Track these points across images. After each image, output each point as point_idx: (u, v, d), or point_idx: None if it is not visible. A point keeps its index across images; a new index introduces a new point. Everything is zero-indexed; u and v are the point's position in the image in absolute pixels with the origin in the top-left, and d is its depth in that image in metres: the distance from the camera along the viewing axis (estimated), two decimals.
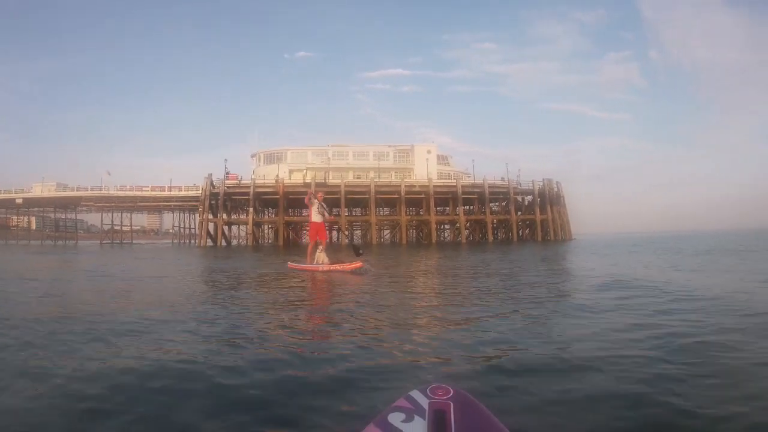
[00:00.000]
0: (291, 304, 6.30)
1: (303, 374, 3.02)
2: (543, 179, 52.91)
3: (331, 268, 10.93)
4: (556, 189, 54.77)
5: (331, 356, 3.41)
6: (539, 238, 50.69)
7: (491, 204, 53.81)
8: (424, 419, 1.46)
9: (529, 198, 54.71)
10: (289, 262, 12.69)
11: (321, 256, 11.67)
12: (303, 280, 9.50)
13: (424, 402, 1.54)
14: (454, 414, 1.46)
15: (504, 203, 54.35)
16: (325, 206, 12.48)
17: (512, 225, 51.34)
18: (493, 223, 53.49)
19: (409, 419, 1.47)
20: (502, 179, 53.63)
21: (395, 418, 1.47)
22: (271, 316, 5.31)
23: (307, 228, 21.00)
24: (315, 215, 12.25)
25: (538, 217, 52.09)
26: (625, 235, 77.40)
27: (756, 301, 5.73)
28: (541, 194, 52.84)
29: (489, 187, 52.14)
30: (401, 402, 1.57)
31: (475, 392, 1.84)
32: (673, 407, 2.38)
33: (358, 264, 10.56)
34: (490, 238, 51.15)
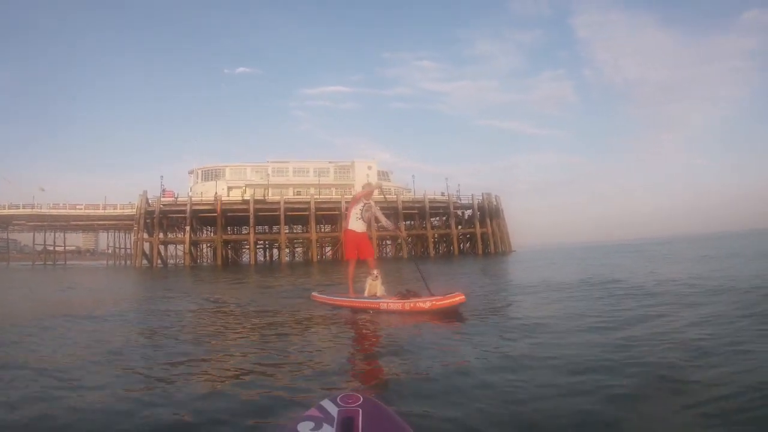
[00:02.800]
0: None
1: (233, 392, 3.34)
2: (482, 193, 56.86)
3: (407, 306, 7.17)
4: (495, 203, 58.39)
5: None
6: (480, 251, 54.61)
7: (432, 219, 57.11)
8: (333, 427, 1.53)
9: (469, 212, 58.89)
10: (314, 293, 9.51)
11: (374, 286, 8.28)
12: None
13: (333, 410, 1.62)
14: (362, 421, 1.54)
15: (444, 218, 58.29)
16: (375, 207, 8.81)
17: (453, 239, 54.24)
18: (434, 238, 56.71)
19: (318, 427, 1.54)
20: (443, 194, 56.88)
21: (305, 427, 1.54)
22: None
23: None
24: (353, 221, 8.66)
25: (478, 230, 55.66)
26: (566, 246, 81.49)
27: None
28: (481, 208, 56.68)
29: (429, 201, 55.74)
30: (312, 411, 1.65)
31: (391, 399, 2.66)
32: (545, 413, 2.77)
33: (458, 297, 6.90)
34: (432, 252, 54.51)
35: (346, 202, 52.15)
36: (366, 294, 8.32)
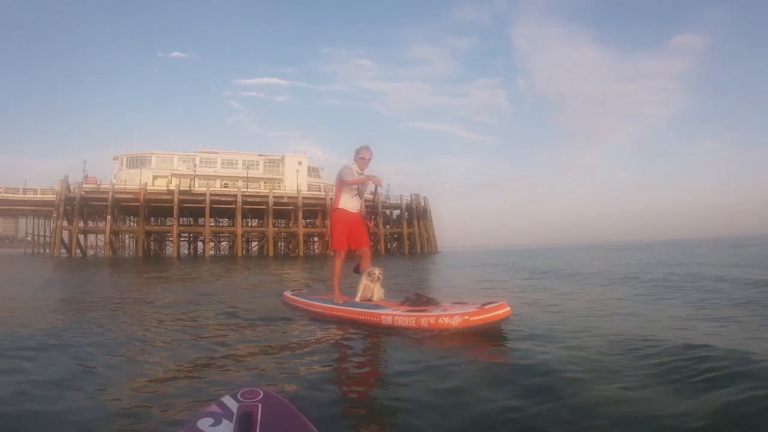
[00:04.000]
0: None
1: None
2: (411, 194, 58.87)
3: (425, 322, 5.20)
4: (423, 204, 60.52)
5: None
6: (406, 251, 56.91)
7: None
8: (232, 422, 1.62)
9: (397, 212, 60.84)
10: (286, 293, 8.16)
11: (372, 288, 6.54)
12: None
13: (233, 406, 1.71)
14: (261, 415, 1.64)
15: (373, 217, 57.92)
16: (378, 181, 6.91)
17: (380, 238, 55.61)
18: None
19: (217, 423, 1.63)
20: (371, 193, 57.09)
21: (204, 423, 1.63)
22: None
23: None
24: (347, 198, 6.94)
25: (405, 230, 57.71)
26: (489, 250, 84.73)
27: None
28: (409, 209, 58.83)
29: None
30: (212, 407, 1.74)
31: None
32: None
33: (502, 308, 5.08)
34: None
35: (274, 197, 53.07)
36: (358, 298, 6.49)
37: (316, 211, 56.71)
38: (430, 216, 62.51)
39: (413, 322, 5.31)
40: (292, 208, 54.72)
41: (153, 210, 52.24)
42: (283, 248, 61.52)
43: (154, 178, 56.98)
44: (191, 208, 51.75)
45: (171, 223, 51.99)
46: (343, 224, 6.93)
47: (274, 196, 53.69)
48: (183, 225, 54.03)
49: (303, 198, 54.82)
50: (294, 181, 58.98)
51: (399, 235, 59.13)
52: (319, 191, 59.76)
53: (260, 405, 1.71)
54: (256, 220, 59.16)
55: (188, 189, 52.45)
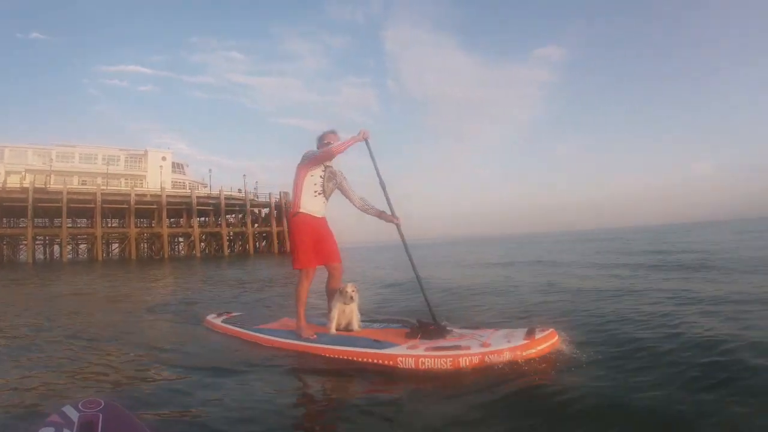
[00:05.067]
0: None
1: None
2: (280, 192, 59.98)
3: (477, 361, 3.99)
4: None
5: None
6: (276, 251, 57.36)
7: (227, 216, 59.02)
8: (73, 431, 1.64)
9: (266, 210, 61.50)
10: (210, 318, 6.66)
11: (348, 312, 5.30)
12: None
13: (74, 416, 1.72)
14: (102, 425, 1.67)
15: (241, 215, 60.39)
16: (342, 176, 5.61)
17: (249, 237, 55.93)
18: (229, 236, 58.15)
19: None
20: (239, 191, 58.79)
21: None
22: None
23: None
24: (308, 199, 5.40)
25: (275, 229, 59.00)
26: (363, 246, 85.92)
27: None
28: (278, 207, 60.06)
29: (225, 198, 58.04)
30: (53, 417, 1.74)
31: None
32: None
33: (554, 338, 4.22)
34: (226, 251, 56.61)
35: (136, 195, 51.76)
36: (333, 328, 5.19)
37: (181, 210, 56.92)
38: None
39: (449, 363, 4.04)
40: (155, 207, 54.13)
41: (5, 210, 49.52)
42: (146, 250, 61.17)
43: (7, 173, 53.64)
44: (47, 208, 49.85)
45: (25, 225, 49.55)
46: (308, 234, 5.40)
47: (136, 195, 53.08)
48: (38, 227, 52.38)
49: (167, 196, 54.34)
50: (158, 177, 58.24)
51: (268, 234, 60.20)
52: (183, 188, 59.28)
53: (101, 414, 1.73)
54: (117, 220, 57.94)
55: (43, 186, 49.73)
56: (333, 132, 5.58)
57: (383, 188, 5.47)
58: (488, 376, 3.72)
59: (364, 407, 3.37)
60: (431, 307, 5.00)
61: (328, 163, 5.42)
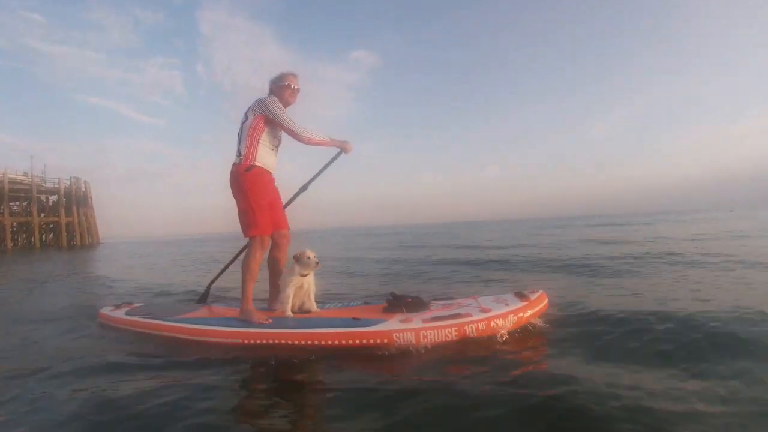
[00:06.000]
0: None
1: None
2: (71, 177, 54.98)
3: (483, 327, 4.01)
4: (83, 189, 57.23)
5: None
6: (64, 244, 52.50)
7: (11, 204, 52.31)
8: None
9: (54, 198, 55.49)
10: (105, 311, 5.70)
11: (305, 287, 4.74)
12: None
13: None
14: None
15: (26, 203, 53.35)
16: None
17: (35, 228, 51.15)
18: (12, 227, 52.04)
19: None
20: (25, 174, 52.46)
21: None
22: None
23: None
24: (265, 152, 4.73)
25: (63, 219, 54.06)
26: (161, 240, 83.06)
27: None
28: (68, 194, 54.96)
29: (9, 182, 49.69)
30: None
31: None
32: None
33: (545, 298, 4.54)
34: (9, 244, 49.49)
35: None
36: (288, 309, 4.57)
37: None
38: (92, 203, 58.98)
39: (455, 333, 3.91)
40: None
41: None
42: None
43: None
44: None
45: None
46: (266, 192, 4.68)
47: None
48: None
49: None
50: None
51: (56, 225, 54.83)
52: None
53: None
54: None
55: None
56: (293, 74, 4.86)
57: (302, 190, 5.17)
58: (484, 344, 3.81)
59: (365, 399, 2.92)
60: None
61: (274, 106, 4.64)
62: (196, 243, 47.48)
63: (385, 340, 3.84)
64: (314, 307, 4.70)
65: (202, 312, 5.03)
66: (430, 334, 3.85)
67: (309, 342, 3.98)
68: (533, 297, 4.35)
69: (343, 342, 3.91)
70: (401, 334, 3.84)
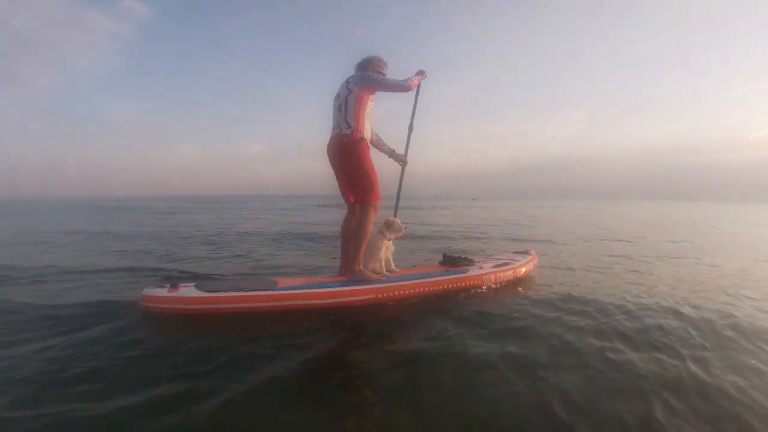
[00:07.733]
0: None
1: None
2: None
3: (519, 273, 5.74)
4: None
5: None
6: None
7: None
8: None
9: None
10: (148, 291, 4.03)
11: (387, 250, 5.25)
12: None
13: None
14: None
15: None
16: (393, 81, 4.71)
17: None
18: None
19: None
20: None
21: None
22: None
23: None
24: (368, 124, 4.76)
25: None
26: None
27: None
28: None
29: None
30: None
31: None
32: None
33: (536, 256, 6.32)
34: None
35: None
36: (383, 267, 5.11)
37: None
38: None
39: (512, 274, 5.57)
40: None
41: None
42: None
43: None
44: None
45: None
46: (372, 166, 4.74)
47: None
48: None
49: None
50: None
51: None
52: None
53: None
54: None
55: None
56: (382, 59, 4.92)
57: (410, 131, 5.32)
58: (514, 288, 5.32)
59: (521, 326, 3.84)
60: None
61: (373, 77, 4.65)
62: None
63: (479, 282, 5.17)
64: (393, 267, 5.19)
65: (302, 280, 4.63)
66: (501, 275, 5.38)
67: (430, 289, 4.80)
68: (531, 254, 6.32)
69: (452, 286, 4.99)
70: (487, 276, 5.23)
